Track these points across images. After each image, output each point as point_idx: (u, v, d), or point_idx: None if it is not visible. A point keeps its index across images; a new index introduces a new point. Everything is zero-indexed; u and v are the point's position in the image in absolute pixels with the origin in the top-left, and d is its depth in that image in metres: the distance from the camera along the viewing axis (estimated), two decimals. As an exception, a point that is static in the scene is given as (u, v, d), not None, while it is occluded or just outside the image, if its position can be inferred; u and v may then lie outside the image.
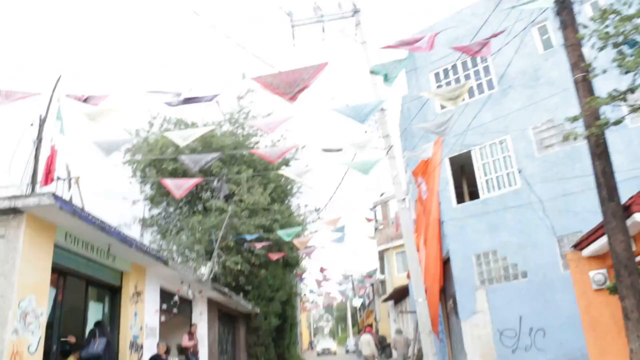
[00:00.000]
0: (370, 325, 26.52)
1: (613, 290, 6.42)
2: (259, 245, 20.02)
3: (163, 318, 13.35)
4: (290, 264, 24.98)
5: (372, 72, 8.63)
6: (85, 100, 7.55)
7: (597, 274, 8.26)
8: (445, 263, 15.55)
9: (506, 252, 14.09)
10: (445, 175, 15.14)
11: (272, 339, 22.76)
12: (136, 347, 11.76)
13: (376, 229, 31.70)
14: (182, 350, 15.14)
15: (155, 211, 24.12)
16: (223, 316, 19.03)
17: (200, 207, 23.32)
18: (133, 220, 22.90)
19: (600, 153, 6.58)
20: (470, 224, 14.69)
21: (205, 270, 18.94)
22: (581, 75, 6.68)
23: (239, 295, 20.50)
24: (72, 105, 9.33)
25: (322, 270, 29.29)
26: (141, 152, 23.04)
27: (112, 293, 11.80)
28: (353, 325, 61.38)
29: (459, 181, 16.60)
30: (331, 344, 44.53)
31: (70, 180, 13.43)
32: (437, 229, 15.37)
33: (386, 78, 8.39)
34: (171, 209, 24.20)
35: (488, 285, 14.24)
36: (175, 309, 13.89)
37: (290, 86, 7.00)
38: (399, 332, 20.64)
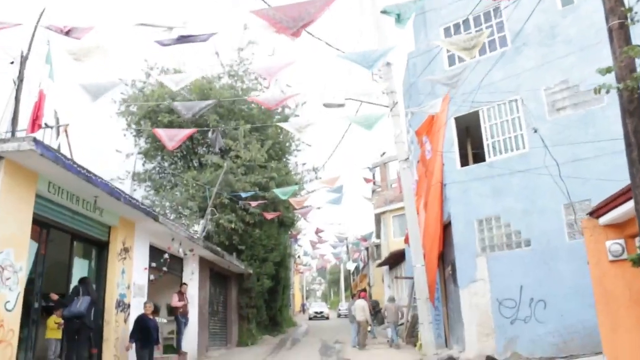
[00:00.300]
0: (364, 290, 26.24)
1: (638, 261, 5.88)
2: (254, 204, 19.51)
3: (152, 276, 12.89)
4: (286, 224, 24.53)
5: (383, 12, 7.90)
6: (67, 33, 6.81)
7: (614, 244, 7.74)
8: (446, 228, 15.03)
9: (510, 219, 13.56)
10: (450, 136, 14.48)
11: (264, 300, 22.46)
12: (123, 306, 11.30)
13: (374, 191, 31.16)
14: (171, 311, 14.74)
15: (150, 166, 23.53)
16: (215, 276, 18.62)
17: (195, 162, 22.70)
18: (126, 175, 22.32)
19: (633, 110, 5.97)
20: (473, 187, 14.12)
21: (198, 228, 18.42)
22: (618, 22, 6.00)
23: (232, 255, 20.09)
24: (59, 45, 8.61)
25: (317, 231, 28.86)
26: (136, 104, 22.29)
27: (99, 249, 11.28)
28: (346, 289, 61.59)
29: (464, 143, 15.95)
30: (324, 308, 44.00)
31: (58, 128, 12.77)
32: (439, 191, 14.80)
33: (399, 19, 7.67)
34: (166, 164, 23.57)
35: (489, 253, 13.77)
36: (165, 267, 13.42)
37: (294, 20, 6.30)
38: (391, 299, 20.34)
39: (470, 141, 16.34)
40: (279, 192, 17.69)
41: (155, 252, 13.32)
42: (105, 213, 10.79)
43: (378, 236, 33.56)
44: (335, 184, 17.57)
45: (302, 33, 6.35)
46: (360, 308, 18.25)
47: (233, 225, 20.05)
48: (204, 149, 22.64)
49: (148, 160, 23.47)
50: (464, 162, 15.44)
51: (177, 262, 15.34)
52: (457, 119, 14.72)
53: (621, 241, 7.69)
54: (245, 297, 21.39)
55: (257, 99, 17.33)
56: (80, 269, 10.60)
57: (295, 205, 19.21)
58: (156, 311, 15.86)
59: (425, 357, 12.40)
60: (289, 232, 28.48)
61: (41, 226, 9.12)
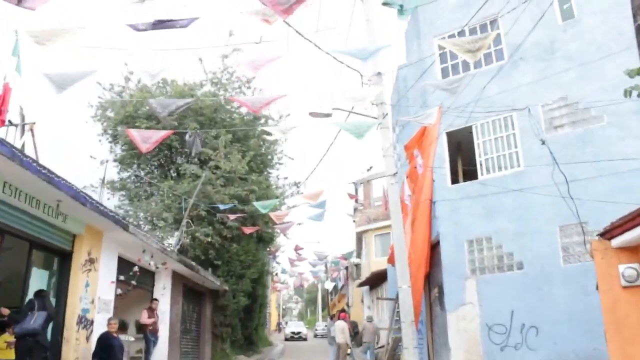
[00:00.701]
0: (344, 311, 25.38)
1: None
2: (232, 217, 18.64)
3: (120, 291, 11.93)
4: (264, 239, 23.63)
5: (385, 3, 7.24)
6: (19, 2, 5.96)
7: (628, 269, 7.07)
8: (434, 247, 14.32)
9: (502, 240, 12.92)
10: (441, 151, 13.84)
11: (240, 319, 21.46)
12: (85, 322, 10.33)
13: (355, 209, 30.43)
14: (140, 328, 13.76)
15: (125, 174, 22.53)
16: (188, 292, 17.64)
17: (173, 172, 21.78)
18: (100, 183, 21.31)
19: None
20: (464, 206, 13.47)
21: (172, 240, 17.48)
22: (646, 21, 5.41)
23: (208, 270, 19.15)
24: (28, 37, 7.76)
25: (297, 249, 27.96)
26: (113, 109, 21.38)
27: (61, 258, 10.32)
28: (323, 309, 60.60)
29: (455, 159, 15.34)
30: (302, 328, 42.10)
31: (23, 126, 11.84)
32: (427, 209, 14.12)
33: (401, 11, 7.02)
34: (142, 173, 22.57)
35: (479, 275, 13.08)
36: (134, 281, 12.47)
37: (286, -4, 5.59)
38: (369, 319, 19.52)
39: (462, 158, 15.73)
40: (259, 206, 16.86)
41: (124, 264, 12.39)
42: (69, 220, 9.87)
43: (359, 255, 32.76)
44: (318, 199, 16.78)
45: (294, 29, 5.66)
46: (340, 329, 17.42)
47: (210, 239, 19.13)
48: (183, 158, 21.74)
49: (124, 167, 22.49)
50: (455, 180, 14.82)
51: (148, 276, 14.39)
52: (448, 134, 14.11)
53: (636, 265, 7.03)
54: (220, 314, 20.38)
55: (241, 99, 16.55)
56: (38, 280, 9.63)
57: (275, 220, 18.36)
58: (123, 328, 14.90)
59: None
60: (268, 249, 27.56)
61: (-6, 231, 8.22)
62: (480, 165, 13.61)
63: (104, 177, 13.92)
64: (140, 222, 20.13)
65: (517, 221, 12.73)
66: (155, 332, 13.74)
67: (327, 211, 17.50)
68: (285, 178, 23.76)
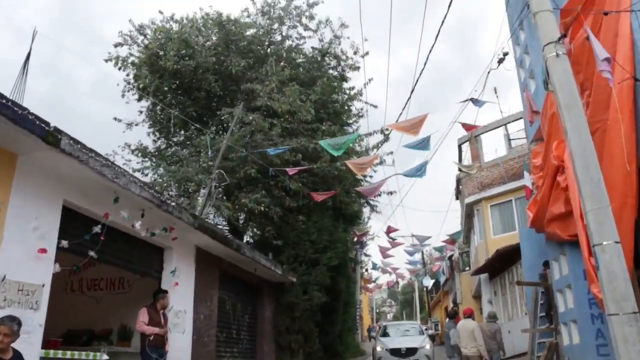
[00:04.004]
0: (457, 307, 18.68)
1: None
2: (291, 171, 12.79)
3: (57, 267, 6.24)
4: (345, 214, 17.44)
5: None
6: None
7: None
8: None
9: None
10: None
11: (316, 322, 15.38)
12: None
13: (459, 180, 23.64)
14: (124, 335, 8.15)
15: (154, 140, 17.35)
16: (231, 283, 11.85)
17: (213, 126, 16.31)
18: (124, 148, 16.28)
19: None
20: None
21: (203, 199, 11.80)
22: None
23: (268, 254, 13.47)
24: None
25: (389, 231, 21.56)
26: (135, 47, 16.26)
27: None
28: (421, 310, 53.70)
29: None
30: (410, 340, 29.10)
31: None
32: (629, 97, 7.50)
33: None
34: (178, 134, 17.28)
35: None
36: (94, 252, 6.72)
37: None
38: (492, 317, 12.93)
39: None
40: (328, 145, 10.96)
41: (76, 222, 6.78)
42: None
43: (467, 240, 25.88)
44: (419, 129, 10.61)
45: None
46: (468, 333, 11.01)
47: (261, 208, 13.36)
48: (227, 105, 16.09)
49: (158, 132, 17.27)
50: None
51: (150, 251, 8.78)
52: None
53: None
54: (286, 317, 14.43)
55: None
56: None
57: (355, 170, 12.20)
58: (125, 339, 9.51)
59: None
60: (352, 231, 21.42)
61: None
62: None
63: (28, 53, 8.36)
64: (172, 188, 14.79)
65: None
66: (159, 346, 8.10)
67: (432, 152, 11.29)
68: (370, 134, 17.42)
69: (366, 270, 34.20)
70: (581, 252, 7.98)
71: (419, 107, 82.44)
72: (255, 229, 15.41)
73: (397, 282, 41.58)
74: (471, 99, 10.56)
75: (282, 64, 16.40)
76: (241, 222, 15.57)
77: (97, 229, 6.74)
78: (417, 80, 15.27)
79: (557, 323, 10.66)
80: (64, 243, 6.39)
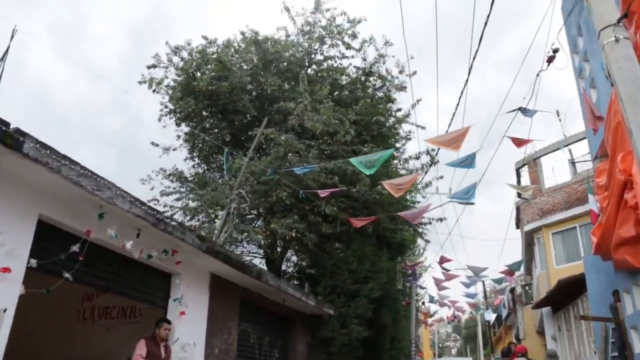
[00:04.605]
0: (516, 344, 16.86)
1: None
2: (323, 193, 11.80)
3: (22, 289, 5.47)
4: (391, 242, 16.21)
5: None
6: None
7: None
8: None
9: None
10: None
11: (357, 359, 14.17)
12: None
13: (518, 207, 21.90)
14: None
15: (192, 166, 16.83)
16: (256, 314, 10.90)
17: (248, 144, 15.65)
18: (158, 174, 15.80)
19: None
20: None
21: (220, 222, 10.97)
22: None
23: (304, 286, 12.47)
24: None
25: (442, 261, 20.11)
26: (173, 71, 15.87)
27: None
28: (485, 346, 50.85)
29: None
30: None
31: None
32: None
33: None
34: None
35: None
36: (69, 273, 5.92)
37: None
38: (551, 356, 11.38)
39: None
40: (358, 163, 9.94)
41: (54, 238, 6.04)
42: None
43: (528, 271, 23.94)
44: (461, 144, 9.45)
45: None
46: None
47: (295, 234, 12.41)
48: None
49: (197, 157, 16.75)
50: None
51: (156, 278, 7.97)
52: None
53: None
54: (321, 352, 13.28)
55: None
56: None
57: (391, 191, 11.04)
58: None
59: None
60: (402, 261, 20.07)
61: None
62: None
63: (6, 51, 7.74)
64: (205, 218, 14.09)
65: None
66: (158, 382, 7.23)
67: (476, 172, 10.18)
68: (418, 156, 16.25)
69: (423, 303, 32.45)
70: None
71: (471, 124, 79.57)
72: (291, 257, 14.48)
73: (456, 317, 39.38)
74: (520, 108, 9.32)
75: (320, 82, 15.63)
76: (279, 249, 14.73)
77: (75, 247, 5.97)
78: (462, 93, 14.03)
79: (634, 364, 9.13)
80: (33, 262, 5.62)
